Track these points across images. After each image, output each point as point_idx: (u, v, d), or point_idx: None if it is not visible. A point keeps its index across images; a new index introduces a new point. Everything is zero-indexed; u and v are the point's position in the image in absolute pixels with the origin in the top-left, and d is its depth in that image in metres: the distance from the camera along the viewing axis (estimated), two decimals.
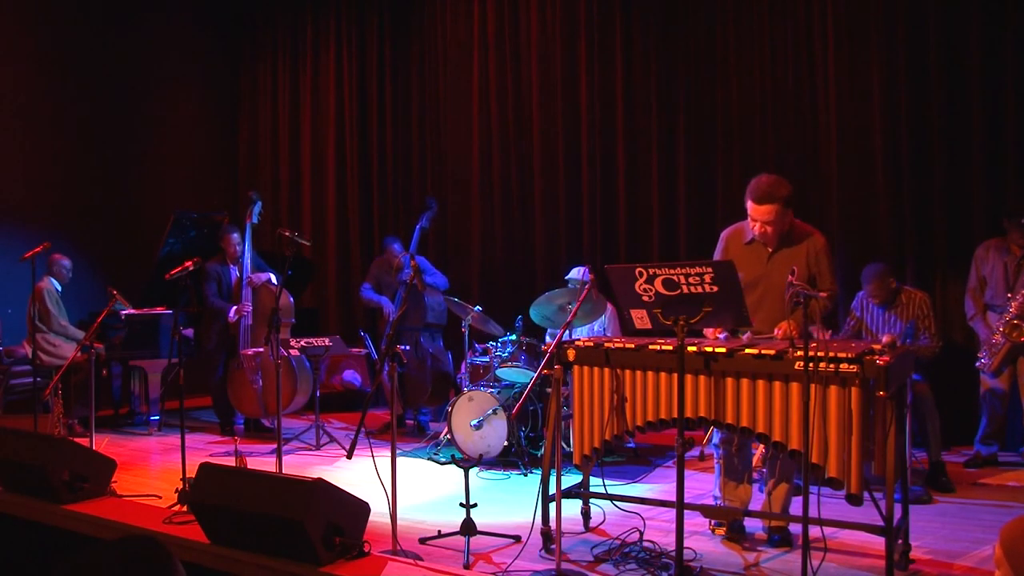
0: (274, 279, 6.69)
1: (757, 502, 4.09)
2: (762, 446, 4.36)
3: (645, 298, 3.38)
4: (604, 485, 4.21)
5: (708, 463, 5.23)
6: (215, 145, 9.53)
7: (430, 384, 6.57)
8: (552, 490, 3.69)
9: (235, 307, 6.55)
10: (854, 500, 3.23)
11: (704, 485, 4.74)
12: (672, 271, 3.29)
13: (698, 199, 6.81)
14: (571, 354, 3.80)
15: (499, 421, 5.42)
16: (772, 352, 3.33)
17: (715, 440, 4.11)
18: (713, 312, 3.27)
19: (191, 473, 3.49)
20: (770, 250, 3.89)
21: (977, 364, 5.25)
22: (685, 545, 3.26)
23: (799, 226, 3.93)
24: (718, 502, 4.06)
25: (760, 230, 3.83)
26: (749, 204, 3.84)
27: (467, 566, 3.58)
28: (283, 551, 2.99)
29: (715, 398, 3.45)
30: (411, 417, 6.80)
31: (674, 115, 6.93)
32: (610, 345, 3.72)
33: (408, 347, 6.54)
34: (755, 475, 4.69)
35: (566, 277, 5.91)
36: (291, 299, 6.73)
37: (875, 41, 6.06)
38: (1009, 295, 5.09)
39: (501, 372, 5.75)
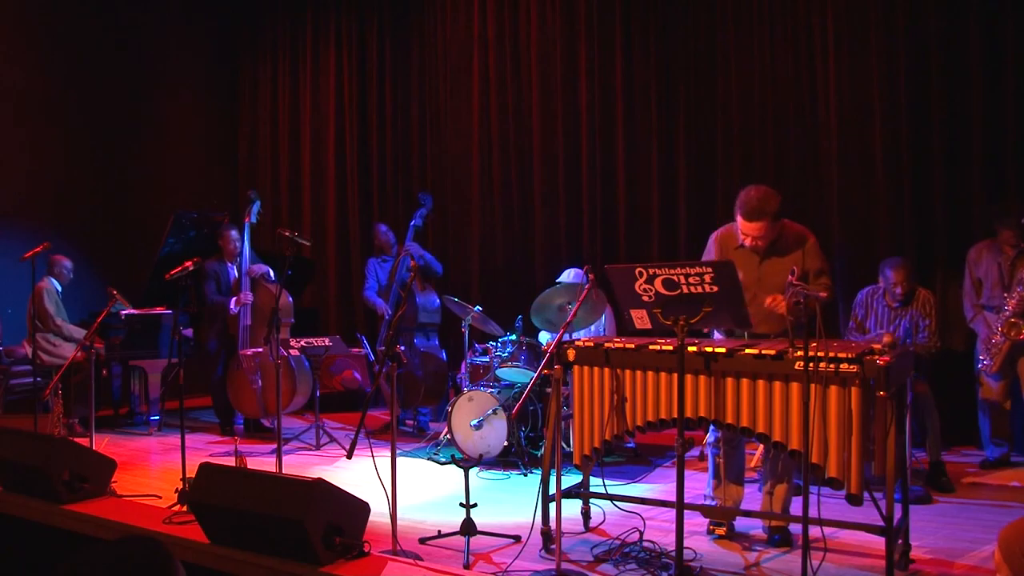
0: (271, 273, 6.72)
1: (756, 502, 4.09)
2: (761, 446, 4.36)
3: (645, 298, 3.38)
4: (604, 485, 4.22)
5: (707, 463, 5.23)
6: (215, 145, 9.53)
7: (423, 384, 6.56)
8: (552, 490, 3.69)
9: (235, 298, 6.55)
10: (854, 500, 3.23)
11: (704, 485, 4.73)
12: (672, 271, 3.29)
13: (698, 199, 6.81)
14: (571, 354, 3.80)
15: (499, 421, 5.42)
16: (772, 352, 3.33)
17: (709, 441, 4.11)
18: (713, 312, 3.27)
19: (191, 473, 3.49)
20: (759, 255, 3.89)
21: (979, 366, 5.25)
22: (685, 545, 3.26)
23: (788, 227, 3.93)
24: (710, 503, 4.07)
25: (751, 243, 3.84)
26: (740, 220, 3.83)
27: (467, 566, 3.59)
28: (283, 551, 2.99)
29: (715, 398, 3.45)
30: (410, 417, 6.80)
31: (674, 115, 6.93)
32: (610, 345, 3.72)
33: (404, 347, 6.55)
34: (755, 475, 4.70)
35: (557, 280, 5.92)
36: (290, 299, 6.74)
37: (875, 41, 6.06)
38: (1006, 294, 5.11)
39: (501, 372, 5.75)
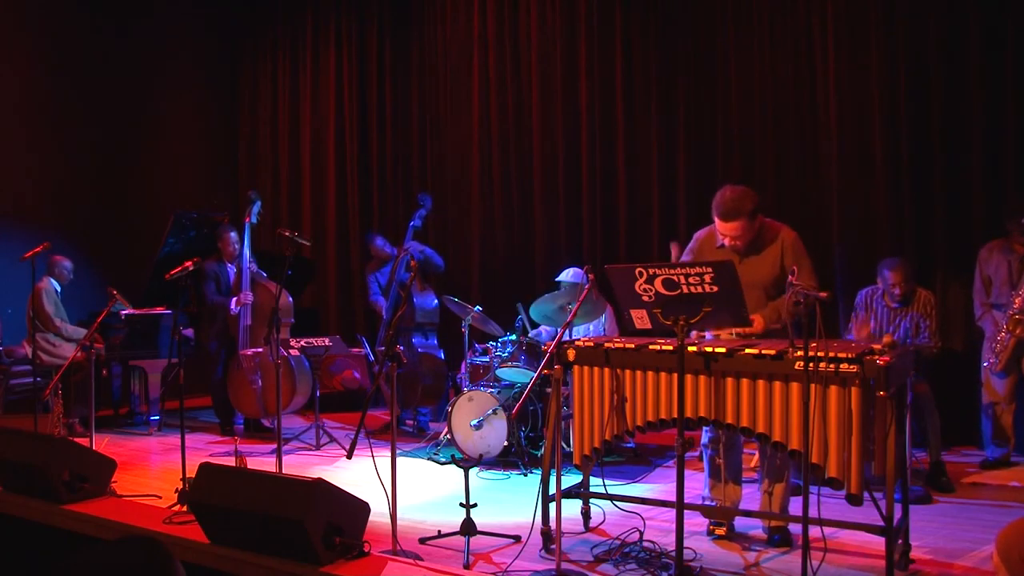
0: (256, 266, 6.75)
1: (755, 502, 4.09)
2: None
3: (645, 298, 3.38)
4: (604, 485, 4.21)
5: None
6: (215, 145, 9.53)
7: (421, 383, 6.56)
8: (552, 490, 3.69)
9: (235, 298, 6.56)
10: (854, 500, 3.23)
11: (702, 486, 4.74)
12: (672, 271, 3.29)
13: (698, 199, 6.79)
14: (571, 354, 3.80)
15: (499, 421, 5.42)
16: (772, 352, 3.33)
17: (703, 441, 4.12)
18: (713, 312, 3.27)
19: (191, 473, 3.49)
20: (739, 255, 3.89)
21: (985, 364, 5.25)
22: (685, 545, 3.26)
23: (767, 225, 3.94)
24: (708, 503, 4.07)
25: (730, 243, 3.86)
26: (716, 221, 3.86)
27: (467, 566, 3.59)
28: (283, 551, 2.99)
29: (715, 398, 3.45)
30: (410, 417, 6.80)
31: (674, 115, 6.92)
32: (610, 345, 3.72)
33: (403, 347, 6.54)
34: (754, 475, 4.70)
35: (556, 279, 5.93)
36: (290, 299, 6.74)
37: (875, 41, 6.06)
38: (1013, 292, 5.11)
39: (501, 372, 5.74)
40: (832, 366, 3.22)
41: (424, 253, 6.72)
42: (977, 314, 5.41)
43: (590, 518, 4.21)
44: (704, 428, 4.00)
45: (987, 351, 5.26)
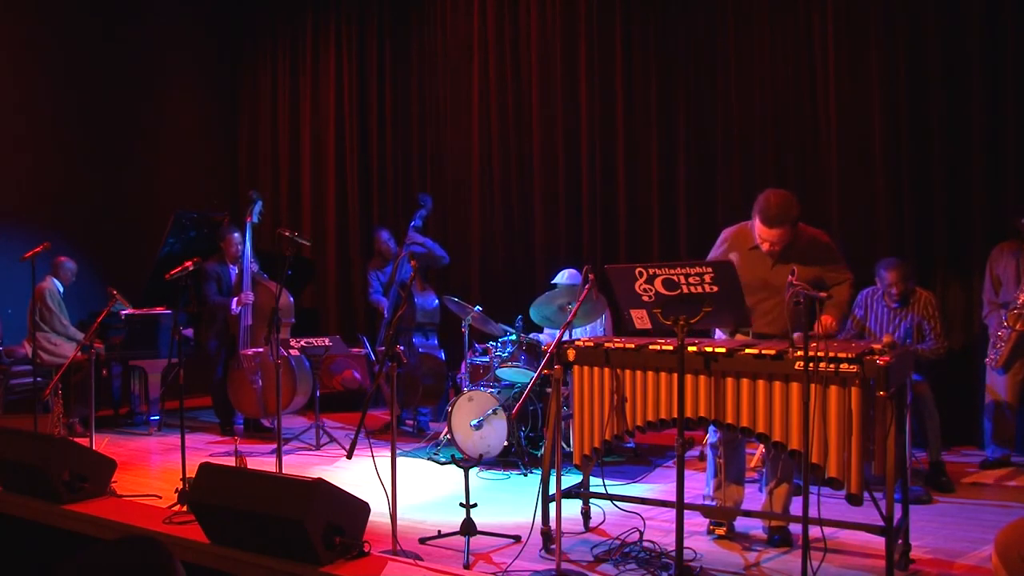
0: (257, 266, 6.75)
1: (757, 502, 4.09)
2: (762, 446, 4.36)
3: (645, 298, 3.38)
4: (604, 485, 4.21)
5: (707, 463, 5.23)
6: (215, 145, 9.53)
7: (421, 383, 6.56)
8: (552, 490, 3.69)
9: (236, 298, 6.56)
10: (854, 500, 3.23)
11: (704, 485, 4.73)
12: (672, 271, 3.29)
13: (698, 199, 6.82)
14: (571, 354, 3.80)
15: (499, 421, 5.42)
16: (772, 352, 3.33)
17: (711, 441, 4.11)
18: (713, 312, 3.27)
19: (191, 473, 3.49)
20: (773, 259, 3.87)
21: (987, 360, 5.26)
22: (685, 545, 3.26)
23: (803, 229, 3.92)
24: (710, 503, 4.07)
25: (769, 248, 3.83)
26: (758, 225, 3.78)
27: (467, 566, 3.59)
28: (283, 551, 2.99)
29: (715, 398, 3.45)
30: (410, 416, 6.80)
31: (674, 115, 6.93)
32: (610, 345, 3.72)
33: (403, 347, 6.55)
34: (755, 475, 4.70)
35: (552, 281, 5.92)
36: (291, 299, 6.74)
37: (875, 41, 6.06)
38: (1017, 288, 5.11)
39: (501, 372, 5.75)
40: (832, 366, 3.22)
41: (425, 245, 6.71)
42: (984, 312, 5.42)
43: (590, 518, 4.21)
44: (711, 428, 4.00)
45: (990, 348, 5.26)
